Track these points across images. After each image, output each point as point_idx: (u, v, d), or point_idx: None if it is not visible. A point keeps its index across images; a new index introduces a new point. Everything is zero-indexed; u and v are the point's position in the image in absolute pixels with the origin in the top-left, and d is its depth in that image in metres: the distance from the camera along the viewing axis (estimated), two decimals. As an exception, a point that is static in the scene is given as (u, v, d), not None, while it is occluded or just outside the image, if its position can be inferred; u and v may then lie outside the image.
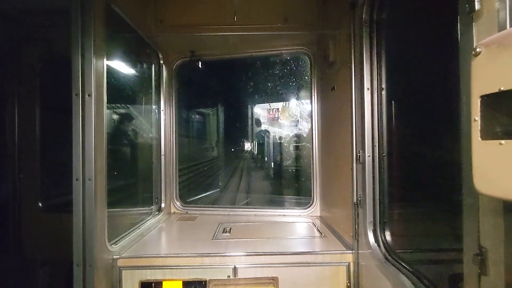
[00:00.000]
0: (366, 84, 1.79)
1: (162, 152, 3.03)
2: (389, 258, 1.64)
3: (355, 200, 1.89)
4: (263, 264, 1.93)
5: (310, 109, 3.07)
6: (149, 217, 2.76)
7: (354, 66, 1.91)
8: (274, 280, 1.89)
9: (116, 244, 1.98)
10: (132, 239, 2.21)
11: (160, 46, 2.93)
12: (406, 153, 1.81)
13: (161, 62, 3.01)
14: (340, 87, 2.27)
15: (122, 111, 2.85)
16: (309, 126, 3.07)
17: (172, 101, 3.18)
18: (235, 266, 1.91)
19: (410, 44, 1.77)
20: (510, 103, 0.66)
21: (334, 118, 2.49)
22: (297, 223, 2.79)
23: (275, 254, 1.96)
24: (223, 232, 2.44)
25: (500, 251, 0.82)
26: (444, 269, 1.44)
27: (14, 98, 3.17)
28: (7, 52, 3.11)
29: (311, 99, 3.02)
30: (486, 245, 0.86)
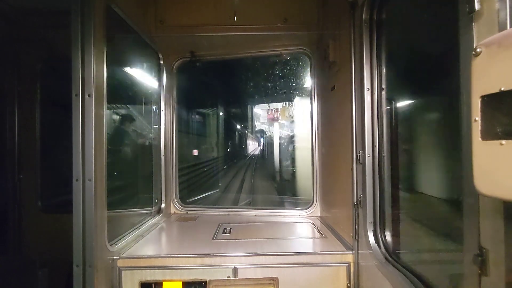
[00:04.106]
0: (366, 84, 1.79)
1: (162, 153, 3.03)
2: (389, 258, 1.64)
3: (355, 201, 1.89)
4: (263, 264, 1.92)
5: (310, 109, 3.07)
6: (149, 218, 2.76)
7: (354, 66, 1.90)
8: (274, 280, 1.89)
9: (116, 245, 1.98)
10: (132, 240, 2.20)
11: (160, 46, 2.93)
12: (406, 153, 1.81)
13: (161, 62, 3.01)
14: (340, 87, 2.26)
15: (122, 111, 2.85)
16: (309, 126, 3.07)
17: (172, 101, 3.18)
18: (235, 267, 1.90)
19: (410, 44, 1.77)
20: (511, 103, 0.66)
21: (334, 118, 2.49)
22: (297, 224, 2.79)
23: (275, 255, 1.96)
24: (223, 233, 2.44)
25: (500, 251, 0.82)
26: (444, 270, 1.44)
27: (14, 99, 3.17)
28: (7, 52, 3.11)
29: (311, 99, 3.02)
30: (487, 246, 0.85)
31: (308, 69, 3.07)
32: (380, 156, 1.76)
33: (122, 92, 2.68)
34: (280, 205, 3.56)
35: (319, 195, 2.94)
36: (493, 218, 0.83)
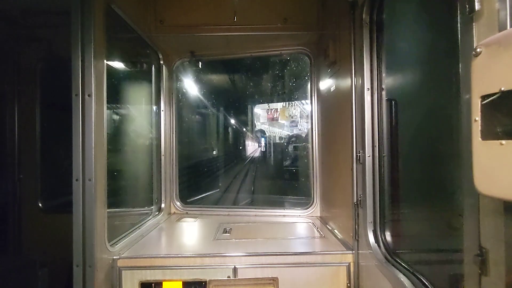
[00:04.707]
0: (366, 84, 1.79)
1: (162, 152, 3.03)
2: (389, 258, 1.64)
3: (355, 200, 1.89)
4: (263, 264, 1.92)
5: (310, 109, 3.07)
6: (149, 218, 2.76)
7: (354, 66, 1.90)
8: (274, 280, 1.89)
9: (116, 245, 1.98)
10: (132, 240, 2.20)
11: (160, 46, 2.93)
12: (406, 153, 1.81)
13: (161, 62, 3.01)
14: (340, 87, 2.26)
15: (122, 111, 2.85)
16: (309, 126, 3.07)
17: (172, 101, 3.18)
18: (235, 267, 1.90)
19: (411, 44, 1.77)
20: (511, 103, 0.66)
21: (334, 118, 2.49)
22: (297, 224, 2.79)
23: (275, 255, 1.96)
24: (223, 233, 2.44)
25: (500, 251, 0.82)
26: (444, 270, 1.44)
27: (14, 99, 3.17)
28: (7, 52, 3.11)
29: (311, 99, 3.02)
30: (487, 246, 0.85)
31: (308, 69, 3.07)
32: (380, 156, 1.76)
33: (122, 92, 2.68)
34: (280, 205, 3.57)
35: (319, 195, 2.94)
36: (493, 218, 0.83)
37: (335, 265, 1.95)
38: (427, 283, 1.36)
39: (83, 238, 1.69)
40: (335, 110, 2.44)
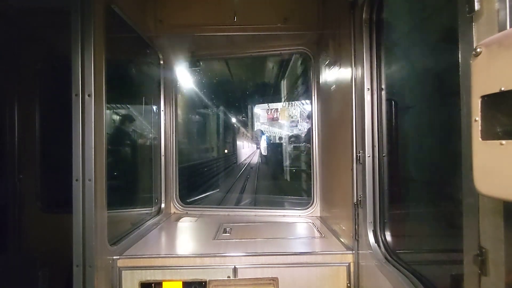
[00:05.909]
0: (366, 84, 1.79)
1: (162, 152, 3.03)
2: (389, 258, 1.64)
3: (355, 201, 1.89)
4: (263, 264, 1.92)
5: (310, 109, 3.07)
6: (149, 218, 2.76)
7: (354, 66, 1.90)
8: (274, 280, 1.89)
9: (116, 245, 1.97)
10: (132, 240, 2.20)
11: (160, 46, 2.92)
12: (406, 153, 1.81)
13: (161, 62, 3.01)
14: (340, 87, 2.26)
15: (122, 111, 2.85)
16: (309, 126, 3.07)
17: (172, 101, 3.18)
18: (235, 267, 1.90)
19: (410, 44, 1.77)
20: (511, 103, 0.66)
21: (334, 118, 2.49)
22: (297, 224, 2.79)
23: (275, 255, 1.96)
24: (223, 233, 2.44)
25: (500, 251, 0.82)
26: (444, 269, 1.44)
27: (14, 99, 3.17)
28: (7, 52, 3.11)
29: (311, 99, 3.02)
30: (486, 246, 0.85)
31: (308, 69, 3.07)
32: (380, 156, 1.76)
33: (122, 92, 2.68)
34: (280, 204, 3.57)
35: (319, 195, 2.94)
36: (493, 218, 0.83)
37: (335, 265, 1.94)
38: (427, 283, 1.36)
39: (83, 238, 1.69)
40: (335, 110, 2.44)
